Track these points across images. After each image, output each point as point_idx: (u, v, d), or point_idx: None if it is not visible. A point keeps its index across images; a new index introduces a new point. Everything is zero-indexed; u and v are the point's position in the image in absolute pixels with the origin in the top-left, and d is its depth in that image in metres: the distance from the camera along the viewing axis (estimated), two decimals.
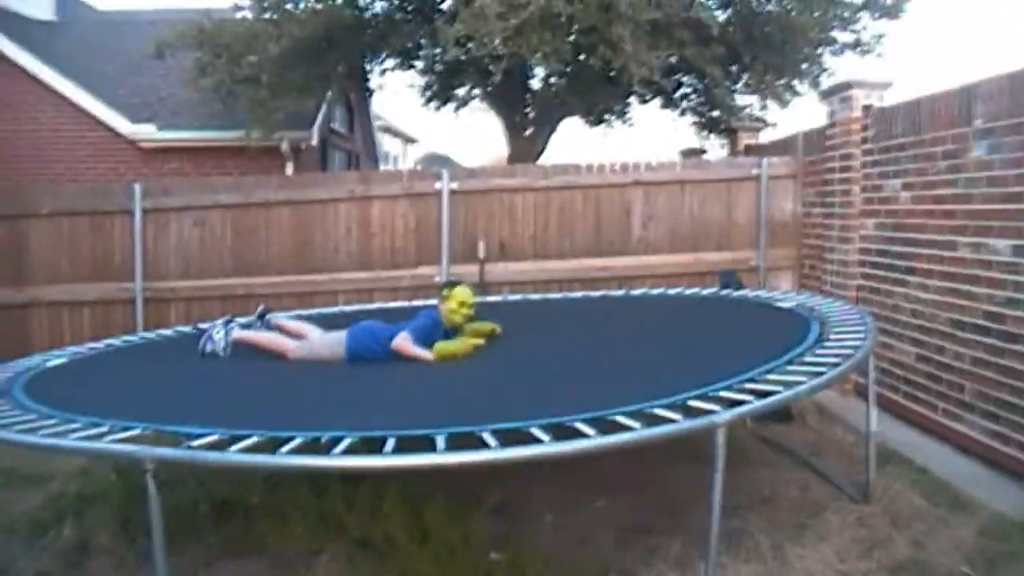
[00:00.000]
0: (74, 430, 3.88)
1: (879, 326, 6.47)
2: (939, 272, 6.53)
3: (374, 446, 3.40)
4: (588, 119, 14.78)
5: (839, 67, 12.55)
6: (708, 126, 14.08)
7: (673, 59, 11.59)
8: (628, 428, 3.46)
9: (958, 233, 6.29)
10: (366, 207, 9.48)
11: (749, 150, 11.47)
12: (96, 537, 5.11)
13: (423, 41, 12.91)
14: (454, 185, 9.34)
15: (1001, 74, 5.83)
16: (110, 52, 16.54)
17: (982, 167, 6.02)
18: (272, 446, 3.44)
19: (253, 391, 5.10)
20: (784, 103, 12.45)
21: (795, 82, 12.58)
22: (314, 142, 14.79)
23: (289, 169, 14.09)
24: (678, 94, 14.13)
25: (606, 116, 15.04)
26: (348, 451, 3.36)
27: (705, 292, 7.68)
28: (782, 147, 9.92)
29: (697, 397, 3.86)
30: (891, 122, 7.38)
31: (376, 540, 4.72)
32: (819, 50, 12.30)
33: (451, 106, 14.98)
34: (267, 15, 12.13)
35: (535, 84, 13.85)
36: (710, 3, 11.99)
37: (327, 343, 6.01)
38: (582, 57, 11.19)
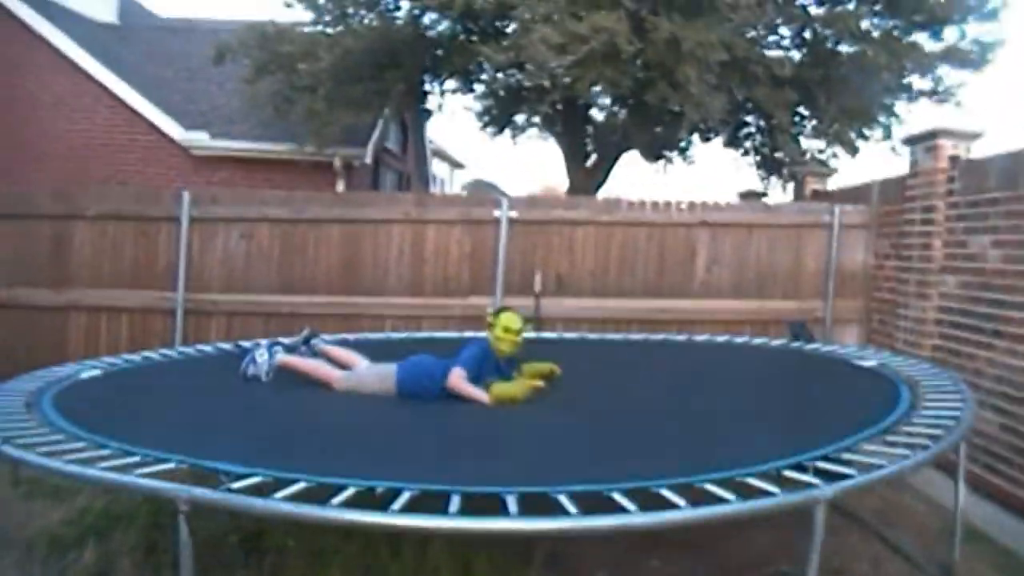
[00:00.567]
0: (103, 457, 3.62)
1: None
2: None
3: (435, 501, 3.07)
4: (647, 154, 14.46)
5: (914, 115, 12.24)
6: (770, 168, 13.76)
7: (740, 96, 11.31)
8: (721, 500, 3.11)
9: None
10: (420, 231, 9.19)
11: (816, 196, 11.10)
12: (119, 562, 4.87)
13: (485, 64, 12.69)
14: (513, 214, 9.03)
15: None
16: (168, 58, 16.61)
17: None
18: (322, 494, 3.12)
19: (297, 424, 4.81)
20: (854, 150, 12.14)
21: (865, 129, 12.25)
22: (367, 160, 14.64)
23: (340, 186, 13.97)
24: (742, 133, 13.84)
25: (665, 152, 14.71)
26: (407, 506, 3.03)
27: (775, 343, 7.33)
28: (853, 195, 9.53)
29: (790, 466, 3.51)
30: (982, 174, 6.98)
31: None
32: (894, 97, 11.96)
33: (508, 133, 14.76)
34: (326, 27, 12.03)
35: (597, 114, 13.59)
36: (785, 43, 11.70)
37: (376, 375, 5.72)
38: (642, 94, 10.91)
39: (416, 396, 5.44)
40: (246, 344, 6.68)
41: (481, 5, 10.68)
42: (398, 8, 12.50)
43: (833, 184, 11.40)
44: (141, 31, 18.05)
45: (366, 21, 12.15)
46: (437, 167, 29.82)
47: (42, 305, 9.43)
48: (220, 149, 14.39)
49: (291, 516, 3.10)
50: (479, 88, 13.99)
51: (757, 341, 7.50)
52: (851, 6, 11.48)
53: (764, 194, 13.88)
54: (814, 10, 11.75)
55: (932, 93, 11.81)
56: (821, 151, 12.77)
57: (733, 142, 13.99)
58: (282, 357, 5.97)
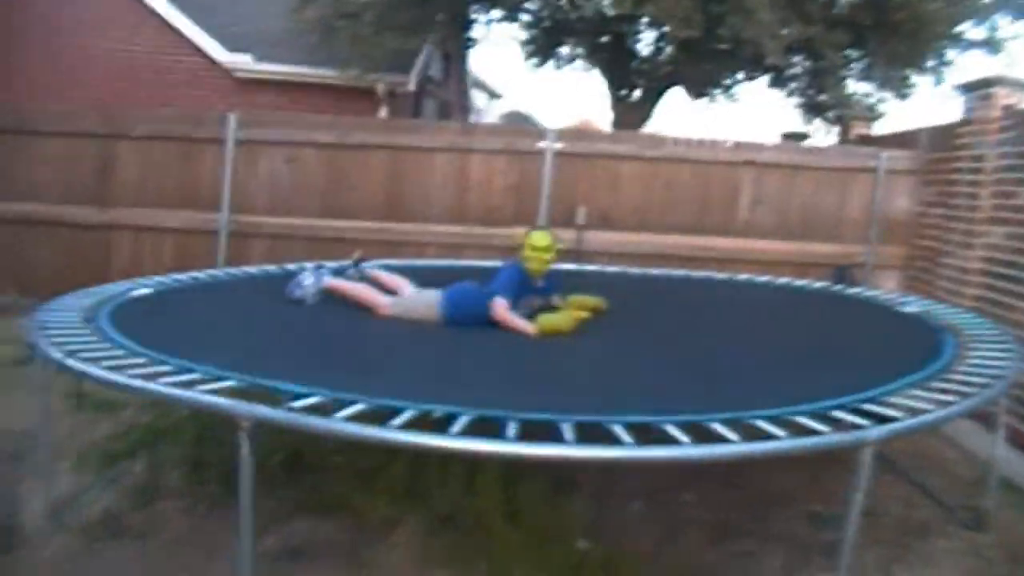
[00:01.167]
0: (164, 373, 3.67)
1: None
2: None
3: (491, 427, 3.14)
4: (692, 90, 14.31)
5: (964, 66, 12.04)
6: (815, 110, 13.60)
7: (795, 34, 11.17)
8: (772, 436, 3.15)
9: None
10: (465, 160, 9.21)
11: (862, 140, 11.00)
12: (166, 477, 5.00)
13: None
14: (558, 146, 9.02)
15: None
16: None
17: None
18: (381, 416, 3.19)
19: (349, 347, 4.85)
20: (903, 95, 11.97)
21: (915, 75, 12.08)
22: (411, 87, 14.55)
23: (383, 113, 13.92)
24: (787, 73, 13.66)
25: (710, 89, 14.55)
26: (465, 431, 3.10)
27: (817, 285, 7.32)
28: (900, 140, 9.42)
29: (838, 407, 3.54)
30: None
31: (463, 516, 4.54)
32: (946, 45, 11.76)
33: (551, 64, 14.64)
34: None
35: (643, 49, 13.45)
36: None
37: (423, 302, 5.75)
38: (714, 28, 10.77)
39: (461, 324, 5.48)
40: (292, 267, 6.74)
41: None
42: None
43: (878, 130, 11.30)
44: None
45: None
46: (474, 97, 29.68)
47: (87, 224, 9.54)
48: (264, 72, 14.33)
49: (353, 436, 3.13)
50: (525, 18, 13.86)
51: (799, 283, 7.49)
52: None
53: (807, 136, 13.77)
54: None
55: (985, 43, 11.60)
56: (868, 95, 12.63)
57: (778, 82, 13.82)
58: (330, 280, 6.00)
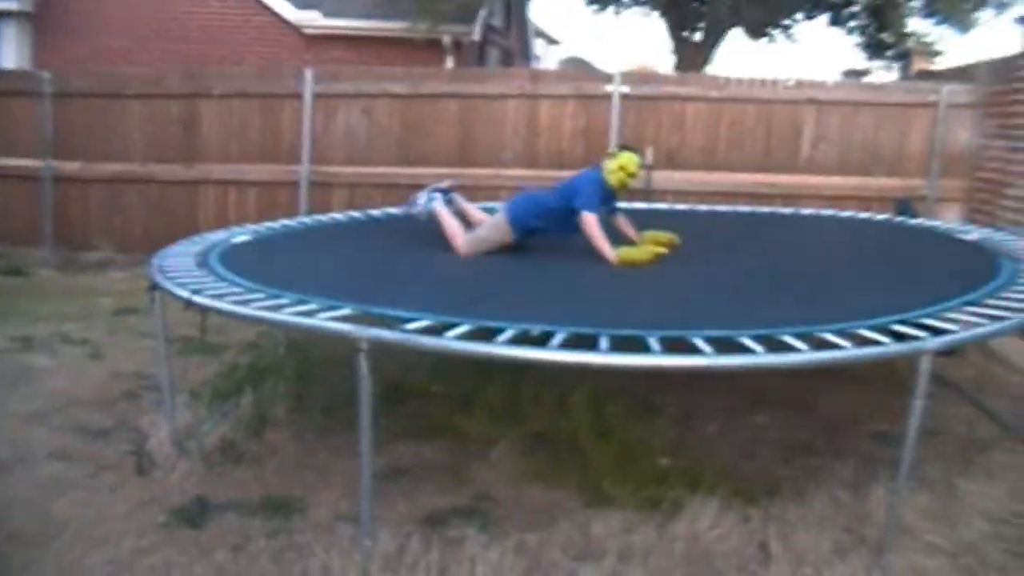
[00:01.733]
0: (283, 306, 3.95)
1: None
2: None
3: (585, 343, 3.40)
4: (752, 31, 14.36)
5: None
6: (875, 48, 13.61)
7: None
8: (837, 347, 3.42)
9: None
10: (534, 106, 9.50)
11: (923, 75, 11.05)
12: (272, 409, 5.34)
13: None
14: (625, 89, 9.26)
15: None
16: None
17: None
18: (485, 336, 3.47)
19: (444, 280, 5.12)
20: (967, 28, 11.94)
21: (977, 10, 12.05)
22: (476, 37, 14.74)
23: (449, 63, 14.13)
24: (847, 11, 13.67)
25: (770, 29, 14.59)
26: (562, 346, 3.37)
27: (879, 218, 7.48)
28: (961, 74, 9.51)
29: (898, 322, 3.79)
30: None
31: (557, 434, 4.85)
32: None
33: (611, 9, 14.75)
34: None
35: None
36: None
37: (490, 226, 5.74)
38: None
39: (531, 231, 5.60)
40: (376, 212, 7.09)
41: None
42: None
43: (939, 66, 11.32)
44: None
45: None
46: (534, 44, 29.68)
47: (174, 180, 10.02)
48: (332, 28, 14.59)
49: (463, 352, 3.41)
50: None
51: (862, 215, 7.63)
52: None
53: (867, 72, 13.79)
54: None
55: None
56: (927, 34, 12.62)
57: (837, 21, 13.84)
58: (439, 206, 6.00)
